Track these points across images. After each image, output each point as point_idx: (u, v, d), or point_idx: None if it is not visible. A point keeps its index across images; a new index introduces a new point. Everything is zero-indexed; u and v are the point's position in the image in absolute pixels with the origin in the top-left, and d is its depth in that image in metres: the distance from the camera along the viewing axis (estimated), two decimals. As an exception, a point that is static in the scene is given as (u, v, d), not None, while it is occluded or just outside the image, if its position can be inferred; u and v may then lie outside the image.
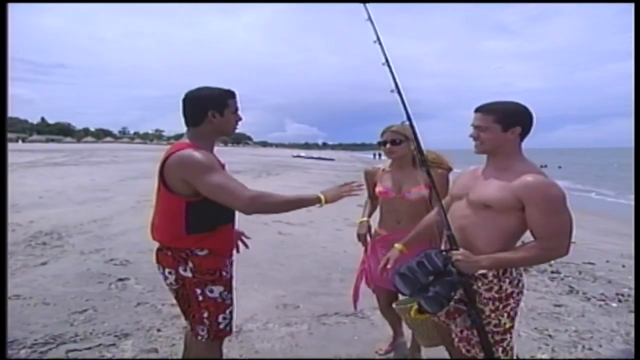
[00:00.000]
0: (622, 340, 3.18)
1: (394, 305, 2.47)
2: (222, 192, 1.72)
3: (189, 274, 1.82)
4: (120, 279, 4.00)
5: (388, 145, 2.48)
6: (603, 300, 4.05)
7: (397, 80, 1.92)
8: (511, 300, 1.74)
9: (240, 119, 1.98)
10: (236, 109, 1.95)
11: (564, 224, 1.63)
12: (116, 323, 3.06)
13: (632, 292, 4.22)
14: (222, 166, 1.85)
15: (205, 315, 1.85)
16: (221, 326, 1.89)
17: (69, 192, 9.63)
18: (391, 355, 2.78)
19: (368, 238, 2.64)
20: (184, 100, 1.91)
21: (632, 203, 14.24)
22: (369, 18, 2.05)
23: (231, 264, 1.98)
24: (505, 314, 1.74)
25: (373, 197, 2.75)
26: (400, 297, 2.64)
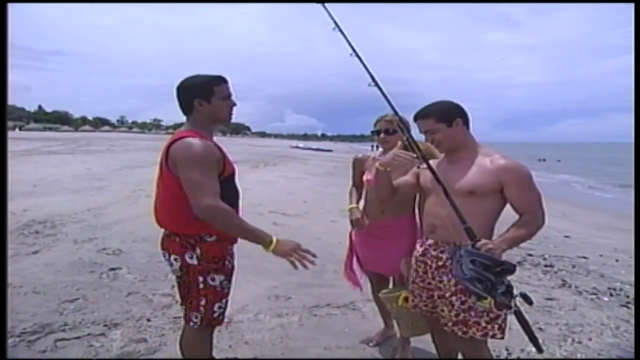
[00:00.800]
0: (611, 334, 3.18)
1: (380, 295, 2.49)
2: (192, 187, 1.73)
3: (194, 262, 1.84)
4: (112, 269, 3.99)
5: (382, 135, 2.46)
6: (595, 294, 4.06)
7: (371, 71, 1.98)
8: None
9: (233, 104, 1.96)
10: (227, 95, 1.93)
11: (539, 197, 1.86)
12: (106, 313, 3.05)
13: (624, 287, 4.24)
14: (223, 155, 1.84)
15: (203, 302, 1.87)
16: (215, 314, 1.92)
17: (64, 181, 9.59)
18: (382, 348, 2.78)
19: (366, 221, 2.55)
20: (176, 90, 1.92)
21: (629, 198, 14.30)
22: (335, 24, 2.09)
23: (234, 252, 2.00)
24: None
25: (359, 186, 2.72)
26: (391, 285, 2.66)
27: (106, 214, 6.40)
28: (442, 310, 1.93)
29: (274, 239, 1.80)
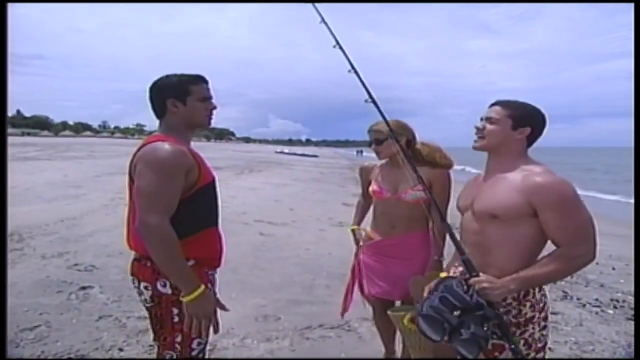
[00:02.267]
0: (625, 353, 2.99)
1: (388, 312, 2.23)
2: (141, 198, 1.48)
3: (168, 291, 1.57)
4: (83, 288, 3.63)
5: (373, 146, 2.29)
6: (598, 306, 3.87)
7: (369, 88, 1.86)
8: (530, 327, 1.53)
9: (213, 107, 1.72)
10: (206, 97, 1.68)
11: (585, 224, 1.45)
12: (72, 342, 2.71)
13: (627, 298, 4.08)
14: (198, 163, 1.59)
15: (179, 339, 1.60)
16: (194, 353, 1.64)
17: (38, 189, 9.09)
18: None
19: (376, 236, 2.35)
20: (149, 90, 1.68)
21: (616, 203, 14.37)
22: (323, 20, 1.95)
23: (215, 279, 1.74)
24: (522, 341, 1.51)
25: (367, 197, 2.51)
26: (397, 304, 2.40)
27: (81, 225, 6.00)
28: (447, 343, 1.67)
29: (202, 289, 1.50)
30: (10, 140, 46.24)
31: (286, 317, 3.28)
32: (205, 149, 47.95)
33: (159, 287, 1.57)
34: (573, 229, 1.43)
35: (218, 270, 1.79)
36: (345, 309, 2.53)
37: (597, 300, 4.03)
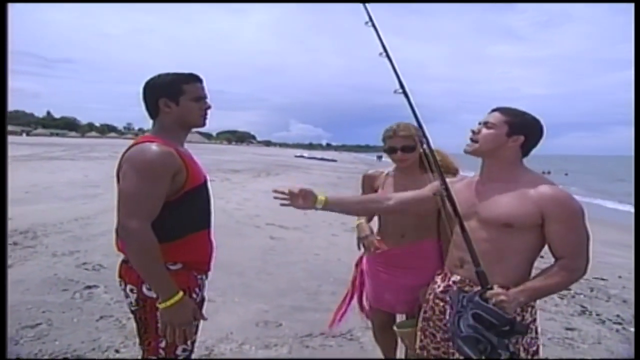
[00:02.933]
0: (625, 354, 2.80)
1: (395, 328, 2.13)
2: (123, 200, 1.46)
3: (153, 294, 1.52)
4: (88, 287, 3.64)
5: (399, 153, 2.07)
6: (619, 323, 3.66)
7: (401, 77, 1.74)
8: (529, 332, 1.56)
9: (207, 107, 1.67)
10: (200, 96, 1.64)
11: (585, 241, 1.52)
12: (69, 341, 2.70)
13: (652, 315, 3.85)
14: (186, 165, 1.54)
15: (163, 345, 1.55)
16: (179, 359, 1.59)
17: (57, 188, 9.30)
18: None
19: (376, 242, 2.15)
20: (142, 90, 1.64)
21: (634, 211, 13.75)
22: (370, 20, 1.82)
23: (204, 283, 1.69)
24: (522, 347, 1.54)
25: None
26: (398, 317, 2.30)
27: (94, 224, 6.07)
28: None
29: (178, 296, 1.46)
30: (39, 140, 47.82)
31: (287, 324, 3.20)
32: (226, 152, 48.49)
33: (145, 290, 1.53)
34: (576, 243, 1.50)
35: (209, 274, 1.75)
36: (334, 322, 2.41)
37: (617, 316, 3.81)
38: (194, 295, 1.59)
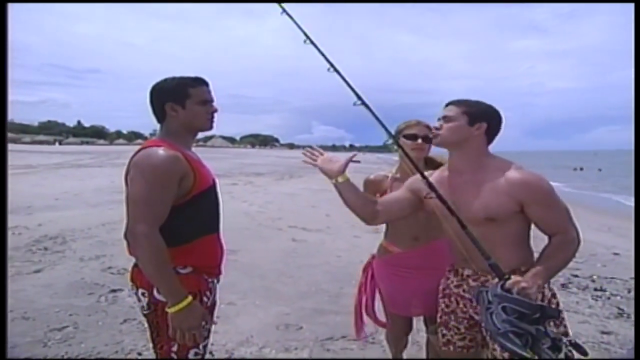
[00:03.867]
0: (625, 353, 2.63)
1: (429, 336, 2.11)
2: (133, 206, 1.46)
3: (164, 298, 1.51)
4: (113, 290, 3.70)
5: (419, 141, 2.04)
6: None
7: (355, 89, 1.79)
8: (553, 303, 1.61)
9: (214, 110, 1.66)
10: (206, 100, 1.62)
11: (567, 211, 1.59)
12: (94, 344, 2.74)
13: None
14: (193, 169, 1.53)
15: (174, 349, 1.55)
16: None
17: (86, 194, 9.57)
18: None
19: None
20: (149, 94, 1.63)
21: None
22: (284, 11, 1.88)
23: (215, 286, 1.68)
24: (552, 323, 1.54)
25: None
26: (415, 322, 2.24)
27: (119, 229, 6.09)
28: (495, 350, 1.61)
29: (187, 301, 1.44)
30: (70, 148, 49.53)
31: (308, 327, 3.17)
32: (249, 155, 49.04)
33: (156, 294, 1.52)
34: (560, 218, 1.56)
35: (221, 277, 1.73)
36: (359, 331, 2.37)
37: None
38: (205, 299, 1.58)
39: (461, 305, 1.74)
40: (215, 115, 1.66)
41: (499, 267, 1.47)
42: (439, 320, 1.83)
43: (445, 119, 1.65)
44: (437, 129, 1.66)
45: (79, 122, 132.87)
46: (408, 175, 2.08)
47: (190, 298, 1.45)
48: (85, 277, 4.02)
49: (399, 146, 1.95)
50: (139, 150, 1.54)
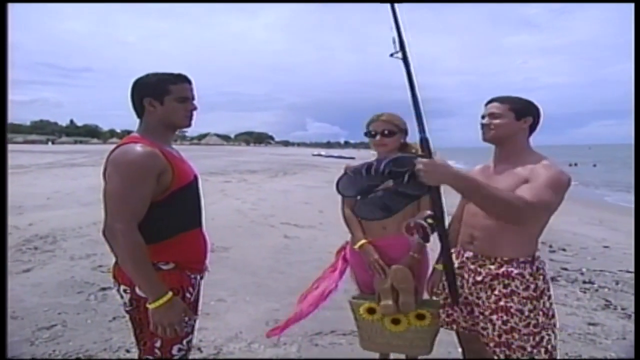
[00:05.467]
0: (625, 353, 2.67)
1: (349, 300, 2.28)
2: (110, 203, 1.45)
3: (144, 294, 1.52)
4: (103, 288, 3.69)
5: (378, 137, 2.09)
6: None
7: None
8: (545, 297, 1.70)
9: (193, 108, 1.65)
10: (185, 97, 1.62)
11: (550, 204, 1.57)
12: (82, 342, 2.74)
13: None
14: (171, 165, 1.52)
15: (158, 344, 1.55)
16: (175, 358, 1.58)
17: (78, 194, 9.52)
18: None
19: (380, 262, 2.10)
20: (130, 89, 1.63)
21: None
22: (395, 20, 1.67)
23: (199, 282, 1.68)
24: (541, 312, 1.68)
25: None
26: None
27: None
28: (484, 329, 1.73)
29: (167, 297, 1.44)
30: (63, 148, 49.19)
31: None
32: (244, 153, 48.92)
33: (137, 289, 1.52)
34: (542, 197, 1.53)
35: (206, 273, 1.74)
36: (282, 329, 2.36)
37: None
38: (188, 295, 1.58)
39: (465, 288, 1.80)
40: (195, 113, 1.66)
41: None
42: (442, 301, 1.93)
43: (493, 116, 1.74)
44: (486, 125, 1.74)
45: (71, 121, 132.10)
46: None
47: (170, 294, 1.46)
48: (75, 276, 4.01)
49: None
50: (116, 147, 1.54)
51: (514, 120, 1.72)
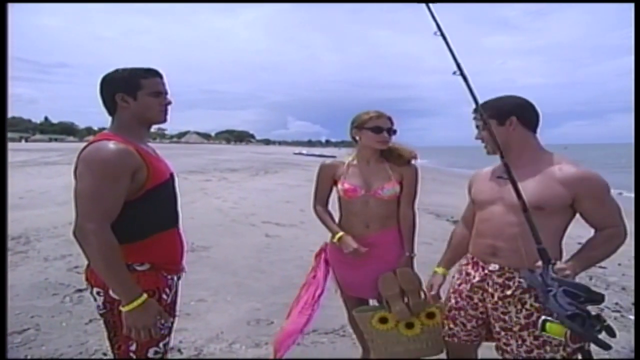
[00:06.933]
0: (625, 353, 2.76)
1: (353, 312, 2.18)
2: (82, 203, 1.41)
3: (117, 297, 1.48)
4: (79, 290, 3.60)
5: (384, 133, 2.09)
6: (618, 311, 3.62)
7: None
8: None
9: (168, 102, 1.62)
10: (159, 92, 1.58)
11: (619, 208, 1.62)
12: (56, 346, 2.66)
13: (651, 302, 3.80)
14: (146, 163, 1.48)
15: (133, 348, 1.52)
16: None
17: (53, 192, 9.24)
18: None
19: (362, 249, 2.10)
20: (99, 85, 1.59)
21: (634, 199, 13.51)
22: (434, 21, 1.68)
23: (176, 283, 1.64)
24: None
25: (325, 199, 2.30)
26: (372, 302, 2.27)
27: (88, 228, 6.03)
28: (507, 345, 1.67)
29: (141, 300, 1.41)
30: (37, 146, 47.75)
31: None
32: (224, 151, 48.35)
33: (111, 292, 1.48)
34: (614, 212, 1.59)
35: (182, 274, 1.70)
36: (283, 347, 2.24)
37: (616, 304, 3.76)
38: (164, 296, 1.55)
39: (476, 300, 1.75)
40: (169, 107, 1.62)
41: (547, 253, 1.46)
42: (447, 313, 1.87)
43: (479, 127, 1.73)
44: (481, 139, 1.73)
45: (46, 119, 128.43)
46: (366, 163, 2.14)
47: (145, 296, 1.42)
48: (49, 278, 3.89)
49: (353, 138, 2.16)
50: (88, 144, 1.49)
51: (498, 127, 1.65)
